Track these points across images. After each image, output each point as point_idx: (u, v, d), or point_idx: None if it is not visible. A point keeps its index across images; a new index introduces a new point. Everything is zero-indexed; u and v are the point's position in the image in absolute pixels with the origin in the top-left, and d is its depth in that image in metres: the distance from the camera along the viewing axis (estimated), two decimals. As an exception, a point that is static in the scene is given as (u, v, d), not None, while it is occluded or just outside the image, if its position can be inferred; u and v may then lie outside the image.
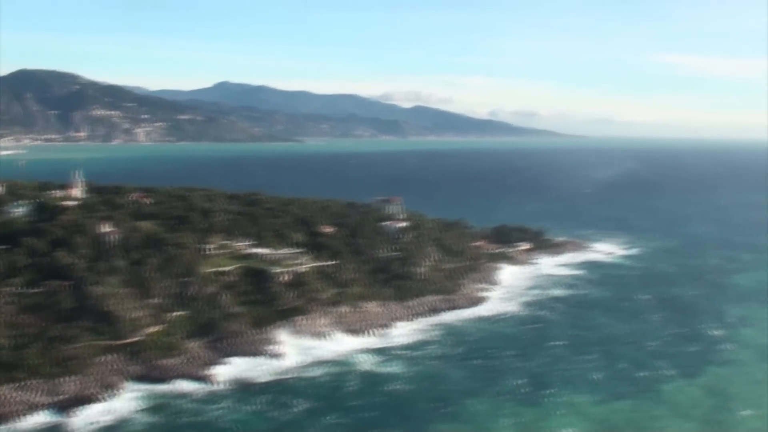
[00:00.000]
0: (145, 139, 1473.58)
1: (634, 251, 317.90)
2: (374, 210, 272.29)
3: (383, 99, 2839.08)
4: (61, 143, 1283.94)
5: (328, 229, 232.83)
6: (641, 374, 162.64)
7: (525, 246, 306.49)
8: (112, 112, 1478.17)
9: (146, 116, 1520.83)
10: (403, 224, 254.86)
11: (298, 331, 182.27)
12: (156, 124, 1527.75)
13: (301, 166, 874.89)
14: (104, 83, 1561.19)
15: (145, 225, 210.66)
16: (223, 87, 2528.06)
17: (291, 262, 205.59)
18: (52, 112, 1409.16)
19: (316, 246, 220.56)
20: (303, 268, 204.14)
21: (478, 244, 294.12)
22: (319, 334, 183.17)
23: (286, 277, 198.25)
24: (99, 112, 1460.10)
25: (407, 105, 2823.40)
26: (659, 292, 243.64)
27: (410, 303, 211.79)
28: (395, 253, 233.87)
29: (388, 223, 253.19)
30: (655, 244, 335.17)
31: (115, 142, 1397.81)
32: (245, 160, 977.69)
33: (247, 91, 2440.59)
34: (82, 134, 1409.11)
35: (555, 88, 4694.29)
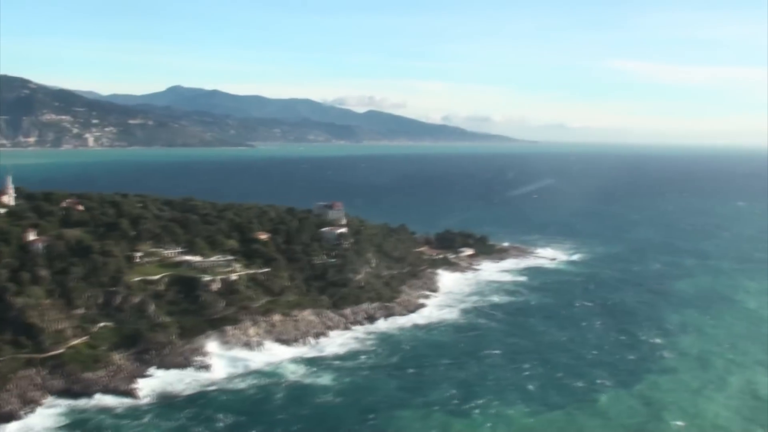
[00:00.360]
0: (94, 144, 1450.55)
1: (578, 257, 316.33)
2: (315, 216, 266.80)
3: (337, 103, 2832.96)
4: (10, 149, 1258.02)
5: (263, 236, 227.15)
6: (577, 384, 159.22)
7: (468, 252, 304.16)
8: (63, 117, 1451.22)
9: (96, 121, 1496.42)
10: (343, 230, 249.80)
11: (227, 341, 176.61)
12: (106, 129, 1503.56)
13: (250, 171, 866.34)
14: (55, 88, 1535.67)
15: (73, 233, 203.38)
16: (175, 91, 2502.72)
17: (222, 269, 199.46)
18: (2, 117, 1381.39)
19: (249, 253, 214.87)
20: (235, 276, 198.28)
21: (420, 249, 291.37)
22: (249, 344, 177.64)
23: (216, 286, 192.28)
24: (49, 117, 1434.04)
25: (361, 110, 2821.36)
26: (601, 298, 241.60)
27: (346, 311, 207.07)
28: (332, 260, 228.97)
29: (327, 229, 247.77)
30: (600, 249, 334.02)
31: (64, 148, 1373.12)
32: (194, 165, 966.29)
33: (200, 95, 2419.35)
34: (31, 139, 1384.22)
35: (508, 94, 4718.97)
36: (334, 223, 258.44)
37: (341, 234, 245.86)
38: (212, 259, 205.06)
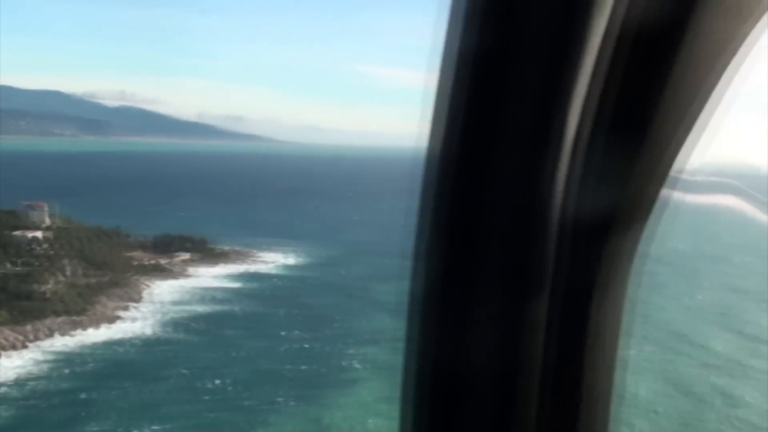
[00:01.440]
0: None
1: (295, 260, 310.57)
2: (14, 217, 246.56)
3: (88, 96, 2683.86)
4: None
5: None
6: (260, 405, 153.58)
7: (185, 256, 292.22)
8: None
9: None
10: (38, 234, 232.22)
11: None
12: None
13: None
14: None
15: None
16: None
17: None
18: None
19: None
20: None
21: (132, 254, 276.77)
22: None
23: None
24: None
25: (112, 104, 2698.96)
26: (305, 305, 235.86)
27: (26, 327, 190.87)
28: (18, 269, 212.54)
29: (18, 233, 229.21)
30: (316, 251, 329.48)
31: None
32: None
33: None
34: None
35: (265, 94, 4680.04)
36: (32, 226, 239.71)
37: (34, 238, 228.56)
38: None
